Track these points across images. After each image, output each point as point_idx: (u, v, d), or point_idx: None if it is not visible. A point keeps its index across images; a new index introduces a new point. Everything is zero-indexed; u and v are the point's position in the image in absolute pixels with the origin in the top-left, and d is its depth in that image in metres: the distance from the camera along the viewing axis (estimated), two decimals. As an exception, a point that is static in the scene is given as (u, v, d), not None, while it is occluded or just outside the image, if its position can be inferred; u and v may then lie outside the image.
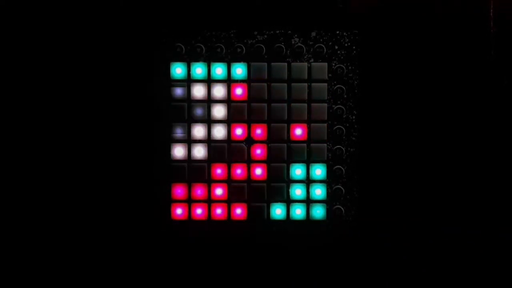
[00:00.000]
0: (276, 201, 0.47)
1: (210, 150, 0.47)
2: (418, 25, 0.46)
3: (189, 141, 0.47)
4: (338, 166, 0.47)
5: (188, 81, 0.47)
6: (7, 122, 0.47)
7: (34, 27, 0.47)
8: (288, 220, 0.47)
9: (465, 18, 0.46)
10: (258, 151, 0.47)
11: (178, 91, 0.47)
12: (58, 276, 0.47)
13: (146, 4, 0.47)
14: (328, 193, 0.47)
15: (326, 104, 0.47)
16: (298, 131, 0.47)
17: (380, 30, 0.47)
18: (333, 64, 0.47)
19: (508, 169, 0.47)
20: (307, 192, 0.47)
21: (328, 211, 0.47)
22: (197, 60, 0.47)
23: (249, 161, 0.47)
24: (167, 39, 0.47)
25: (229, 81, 0.47)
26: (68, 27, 0.47)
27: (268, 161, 0.47)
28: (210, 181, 0.47)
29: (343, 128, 0.47)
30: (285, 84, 0.47)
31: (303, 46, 0.47)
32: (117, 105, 0.47)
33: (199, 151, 0.47)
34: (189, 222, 0.47)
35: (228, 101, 0.47)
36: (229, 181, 0.47)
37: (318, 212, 0.47)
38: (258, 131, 0.47)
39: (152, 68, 0.47)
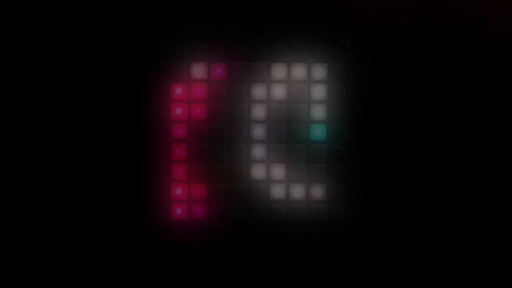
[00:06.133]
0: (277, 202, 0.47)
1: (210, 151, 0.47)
2: (418, 25, 0.46)
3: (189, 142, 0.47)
4: (338, 167, 0.47)
5: (188, 81, 0.47)
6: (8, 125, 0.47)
7: (30, 26, 0.47)
8: (287, 220, 0.47)
9: (465, 18, 0.46)
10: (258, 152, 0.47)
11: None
12: (53, 276, 0.47)
13: (146, 3, 0.47)
14: (328, 193, 0.47)
15: (326, 104, 0.47)
16: (298, 132, 0.47)
17: (380, 30, 0.47)
18: (333, 64, 0.47)
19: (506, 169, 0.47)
20: (306, 192, 0.47)
21: (328, 212, 0.47)
22: (197, 60, 0.47)
23: (249, 162, 0.47)
24: (167, 39, 0.47)
25: (229, 82, 0.47)
26: (66, 27, 0.47)
27: (268, 162, 0.47)
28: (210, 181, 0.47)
29: (343, 129, 0.47)
30: (285, 84, 0.47)
31: (303, 46, 0.47)
32: (116, 106, 0.47)
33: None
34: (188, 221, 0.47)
35: (228, 101, 0.47)
36: (227, 181, 0.47)
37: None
38: (258, 132, 0.47)
39: (152, 68, 0.47)
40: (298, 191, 0.47)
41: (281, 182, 0.47)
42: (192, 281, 0.48)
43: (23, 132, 0.47)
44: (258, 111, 0.47)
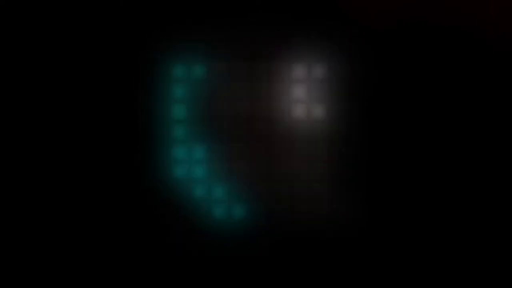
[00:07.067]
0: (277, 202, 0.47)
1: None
2: (418, 25, 0.46)
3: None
4: (338, 166, 0.47)
5: (188, 81, 0.47)
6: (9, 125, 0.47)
7: (29, 27, 0.47)
8: (287, 220, 0.47)
9: (465, 18, 0.46)
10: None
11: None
12: (51, 276, 0.48)
13: (145, 3, 0.47)
14: (327, 193, 0.47)
15: (326, 104, 0.47)
16: (298, 131, 0.47)
17: (380, 30, 0.47)
18: (333, 64, 0.47)
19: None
20: (306, 192, 0.47)
21: (328, 211, 0.47)
22: (196, 60, 0.47)
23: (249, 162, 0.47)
24: (167, 39, 0.47)
25: (228, 81, 0.47)
26: (63, 27, 0.47)
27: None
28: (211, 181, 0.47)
29: (343, 129, 0.47)
30: (285, 84, 0.47)
31: (303, 46, 0.47)
32: (115, 107, 0.47)
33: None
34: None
35: (228, 101, 0.47)
36: (229, 181, 0.47)
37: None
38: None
39: (152, 68, 0.47)
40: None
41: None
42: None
43: (26, 135, 0.47)
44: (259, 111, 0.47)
